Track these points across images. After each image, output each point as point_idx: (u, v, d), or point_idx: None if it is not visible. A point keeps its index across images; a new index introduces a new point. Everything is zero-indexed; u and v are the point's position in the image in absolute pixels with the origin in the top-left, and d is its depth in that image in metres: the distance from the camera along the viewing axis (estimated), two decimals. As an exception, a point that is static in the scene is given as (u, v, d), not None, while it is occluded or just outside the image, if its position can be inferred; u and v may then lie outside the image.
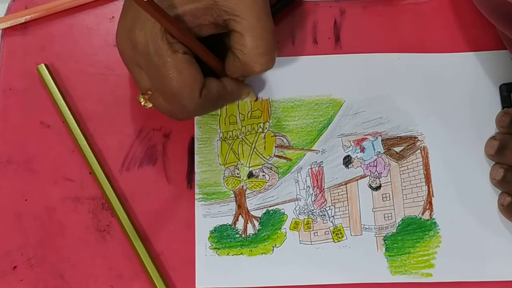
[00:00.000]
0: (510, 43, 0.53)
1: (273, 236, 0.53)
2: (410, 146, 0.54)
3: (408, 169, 0.54)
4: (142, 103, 0.49)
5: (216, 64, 0.50)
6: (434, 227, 0.53)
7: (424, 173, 0.54)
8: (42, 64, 0.55)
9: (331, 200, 0.53)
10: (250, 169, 0.54)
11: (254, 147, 0.54)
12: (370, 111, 0.55)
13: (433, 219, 0.53)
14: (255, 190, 0.54)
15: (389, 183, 0.54)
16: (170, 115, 0.50)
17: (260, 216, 0.53)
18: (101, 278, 0.52)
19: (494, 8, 0.50)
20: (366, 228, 0.53)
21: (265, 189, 0.54)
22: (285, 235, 0.53)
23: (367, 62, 0.56)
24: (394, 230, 0.53)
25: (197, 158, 0.54)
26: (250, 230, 0.53)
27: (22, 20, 0.56)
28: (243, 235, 0.53)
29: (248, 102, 0.55)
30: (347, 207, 0.53)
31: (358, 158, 0.54)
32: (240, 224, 0.53)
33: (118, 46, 0.49)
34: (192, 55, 0.47)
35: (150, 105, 0.49)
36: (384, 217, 0.53)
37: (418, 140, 0.54)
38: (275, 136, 0.55)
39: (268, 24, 0.48)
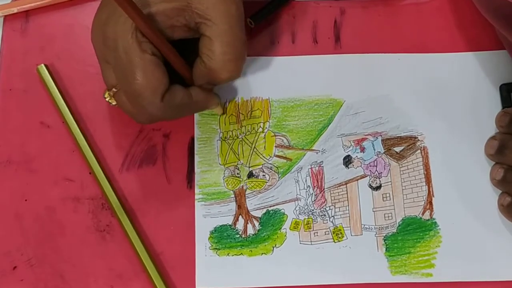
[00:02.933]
0: (509, 44, 0.53)
1: (273, 236, 0.53)
2: (410, 146, 0.54)
3: (408, 169, 0.54)
4: (107, 99, 0.49)
5: (184, 71, 0.49)
6: (434, 227, 0.53)
7: (424, 173, 0.54)
8: (42, 65, 0.55)
9: (331, 200, 0.53)
10: (250, 169, 0.54)
11: (254, 147, 0.54)
12: (370, 111, 0.55)
13: (433, 219, 0.53)
14: (255, 190, 0.54)
15: (389, 183, 0.54)
16: (131, 115, 0.49)
17: (260, 216, 0.53)
18: (101, 278, 0.52)
19: (494, 9, 0.50)
20: (366, 228, 0.53)
21: (265, 189, 0.54)
22: (285, 235, 0.53)
23: (367, 62, 0.56)
24: (394, 230, 0.53)
25: (197, 158, 0.54)
26: (250, 230, 0.53)
27: (26, 7, 0.56)
28: (243, 235, 0.53)
29: (248, 102, 0.55)
30: (347, 207, 0.53)
31: (358, 158, 0.54)
32: (240, 224, 0.53)
33: (91, 39, 0.49)
34: (161, 57, 0.47)
35: (114, 103, 0.49)
36: (384, 217, 0.53)
37: (418, 140, 0.54)
38: (275, 136, 0.55)
39: (239, 33, 0.48)
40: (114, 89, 0.48)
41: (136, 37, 0.45)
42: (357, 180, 0.54)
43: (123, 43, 0.45)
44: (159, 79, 0.46)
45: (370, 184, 0.54)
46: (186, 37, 0.48)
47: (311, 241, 0.53)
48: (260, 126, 0.55)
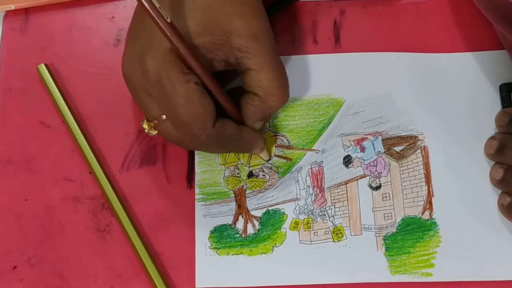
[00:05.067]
0: (508, 43, 0.53)
1: (273, 235, 0.53)
2: (411, 145, 0.54)
3: (408, 168, 0.54)
4: (146, 130, 0.48)
5: (229, 106, 0.48)
6: (434, 227, 0.53)
7: (424, 173, 0.54)
8: (42, 64, 0.55)
9: (331, 200, 0.53)
10: (250, 169, 0.54)
11: (254, 147, 0.54)
12: (370, 111, 0.55)
13: (433, 219, 0.53)
14: (255, 190, 0.54)
15: (389, 183, 0.54)
16: (177, 142, 0.49)
17: (260, 216, 0.53)
18: (101, 278, 0.52)
19: (494, 8, 0.50)
20: (366, 228, 0.53)
21: (265, 188, 0.54)
22: (285, 235, 0.53)
23: (367, 61, 0.56)
24: (394, 230, 0.53)
25: (197, 158, 0.54)
26: (250, 230, 0.53)
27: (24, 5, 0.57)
28: (243, 235, 0.53)
29: None
30: (347, 207, 0.53)
31: (358, 158, 0.54)
32: (240, 224, 0.53)
33: (125, 73, 0.48)
34: (203, 86, 0.47)
35: (155, 133, 0.49)
36: (384, 217, 0.53)
37: (419, 139, 0.54)
38: (275, 136, 0.55)
39: (278, 58, 0.48)
40: (155, 121, 0.48)
41: (181, 68, 0.45)
42: (357, 180, 0.54)
43: (167, 75, 0.45)
44: (206, 107, 0.46)
45: (370, 184, 0.54)
46: (223, 69, 0.49)
47: (311, 241, 0.53)
48: (260, 126, 0.55)
